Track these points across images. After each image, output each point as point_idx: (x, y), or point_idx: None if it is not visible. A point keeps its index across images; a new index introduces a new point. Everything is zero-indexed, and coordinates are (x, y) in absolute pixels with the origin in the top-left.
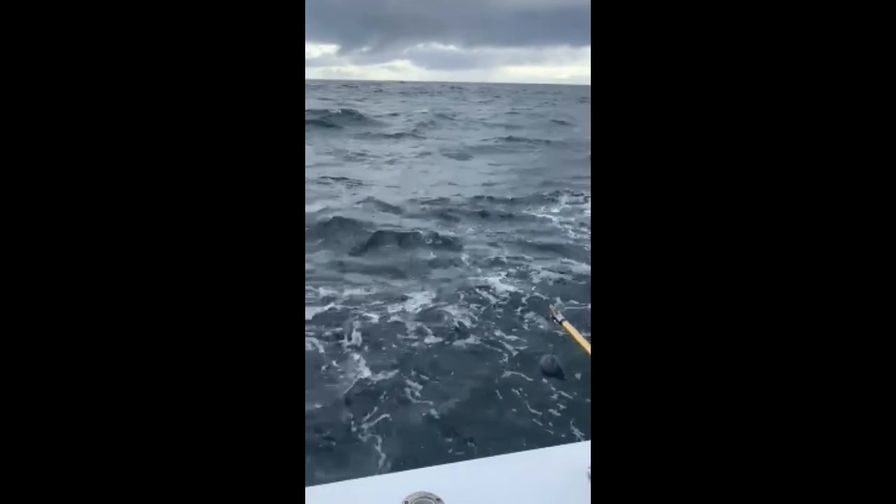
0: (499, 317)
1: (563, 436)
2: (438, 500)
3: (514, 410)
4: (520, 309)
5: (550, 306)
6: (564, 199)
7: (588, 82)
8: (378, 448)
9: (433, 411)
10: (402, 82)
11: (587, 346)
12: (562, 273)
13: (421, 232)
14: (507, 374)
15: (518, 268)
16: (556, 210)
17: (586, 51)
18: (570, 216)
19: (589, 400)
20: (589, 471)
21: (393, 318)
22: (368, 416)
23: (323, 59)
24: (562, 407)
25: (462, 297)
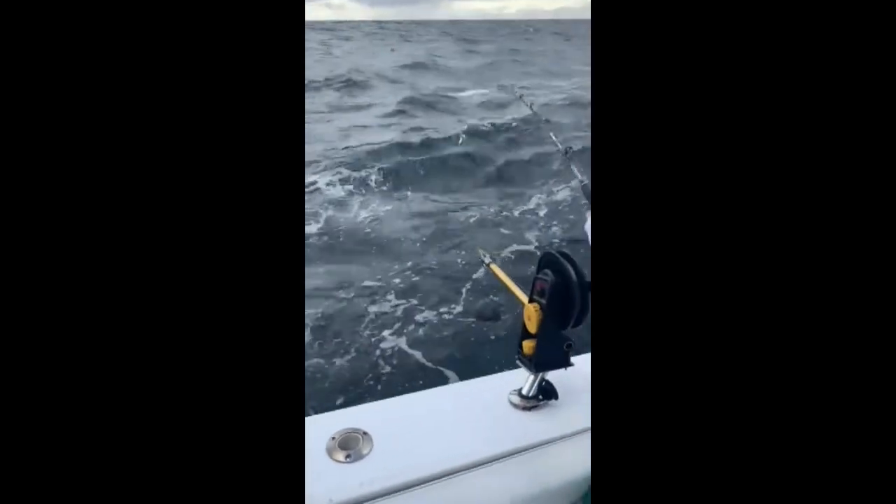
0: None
1: (495, 368)
2: (365, 433)
3: (446, 350)
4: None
5: (479, 249)
6: None
7: (541, 15)
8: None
9: (365, 353)
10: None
11: (513, 288)
12: None
13: None
14: (438, 314)
15: None
16: None
17: None
18: None
19: (512, 334)
20: (510, 397)
21: None
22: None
23: None
24: (493, 344)
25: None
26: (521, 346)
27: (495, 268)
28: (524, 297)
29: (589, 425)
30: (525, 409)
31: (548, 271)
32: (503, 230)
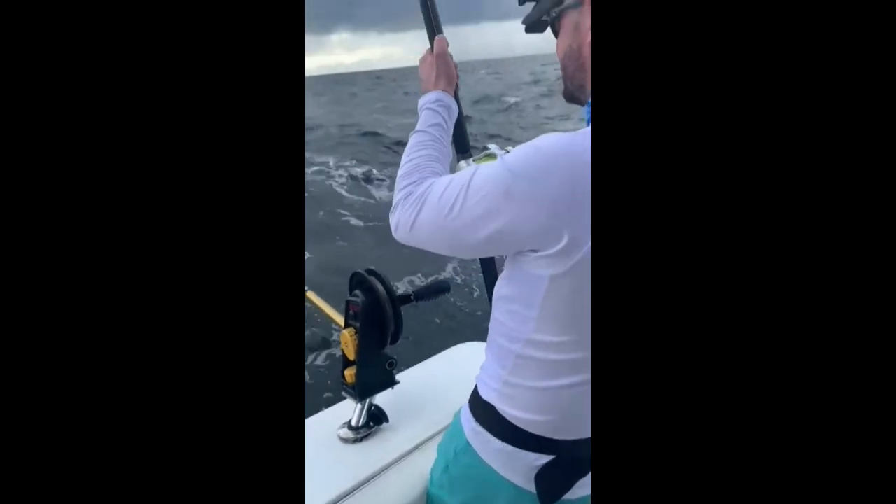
0: None
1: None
2: None
3: None
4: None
5: None
6: None
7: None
8: None
9: None
10: None
11: (333, 315)
12: None
13: None
14: None
15: None
16: None
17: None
18: None
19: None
20: (338, 432)
21: None
22: None
23: None
24: (324, 376)
25: None
26: (343, 376)
27: (312, 295)
28: (342, 322)
29: (423, 438)
30: (356, 440)
31: (357, 292)
32: None
